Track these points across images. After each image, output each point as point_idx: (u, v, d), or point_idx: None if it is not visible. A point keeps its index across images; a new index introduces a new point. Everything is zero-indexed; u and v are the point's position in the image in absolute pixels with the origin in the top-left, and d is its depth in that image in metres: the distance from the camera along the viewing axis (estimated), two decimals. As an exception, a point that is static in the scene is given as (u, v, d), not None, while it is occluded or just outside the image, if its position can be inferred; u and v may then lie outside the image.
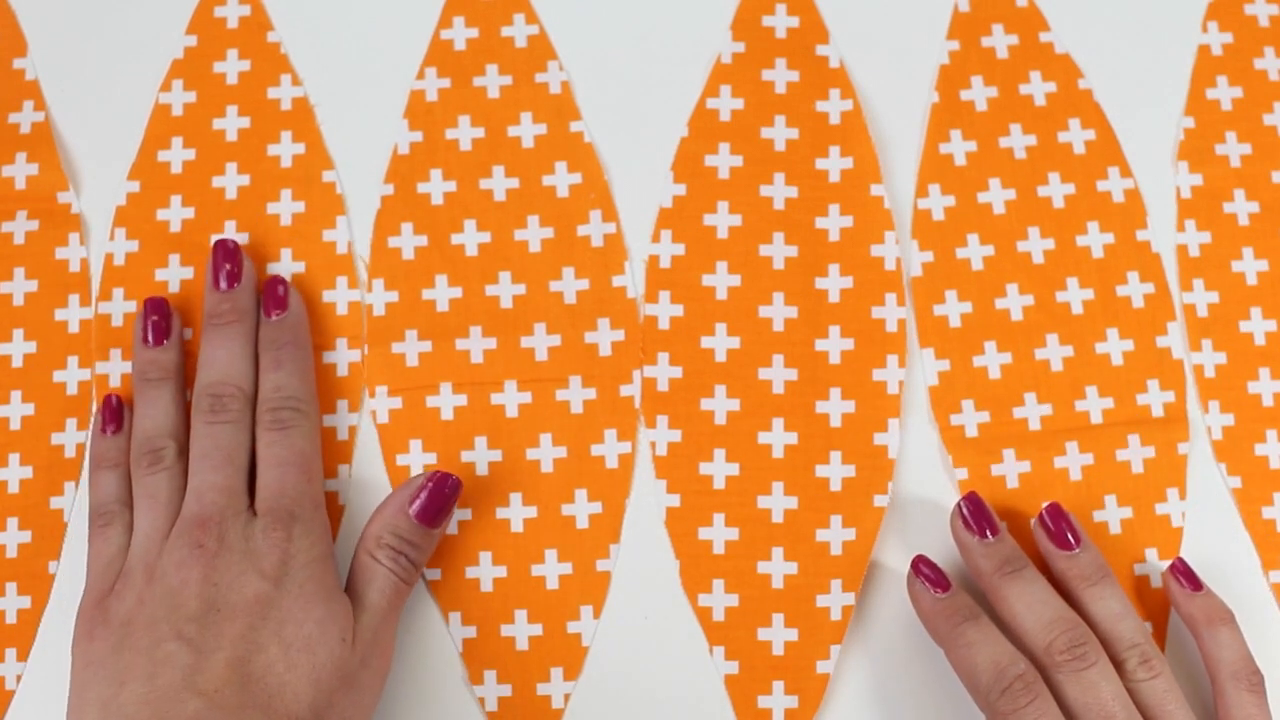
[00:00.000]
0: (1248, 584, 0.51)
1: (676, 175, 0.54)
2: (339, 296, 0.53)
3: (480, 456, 0.51)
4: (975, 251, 0.53)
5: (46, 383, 0.52)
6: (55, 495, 0.51)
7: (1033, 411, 0.52)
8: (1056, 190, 0.54)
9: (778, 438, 0.52)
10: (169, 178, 0.54)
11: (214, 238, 0.52)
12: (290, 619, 0.44)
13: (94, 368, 0.52)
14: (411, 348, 0.52)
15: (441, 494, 0.48)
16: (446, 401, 0.52)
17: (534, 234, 0.53)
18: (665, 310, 0.53)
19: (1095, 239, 0.54)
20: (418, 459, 0.51)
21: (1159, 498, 0.51)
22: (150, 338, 0.50)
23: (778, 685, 0.49)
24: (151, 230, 0.53)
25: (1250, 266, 0.53)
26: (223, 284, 0.51)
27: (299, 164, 0.54)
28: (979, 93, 0.55)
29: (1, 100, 0.55)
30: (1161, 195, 0.54)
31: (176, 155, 0.54)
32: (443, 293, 0.53)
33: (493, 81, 0.55)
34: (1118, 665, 0.46)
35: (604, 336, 0.52)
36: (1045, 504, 0.49)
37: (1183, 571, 0.49)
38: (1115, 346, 0.52)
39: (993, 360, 0.52)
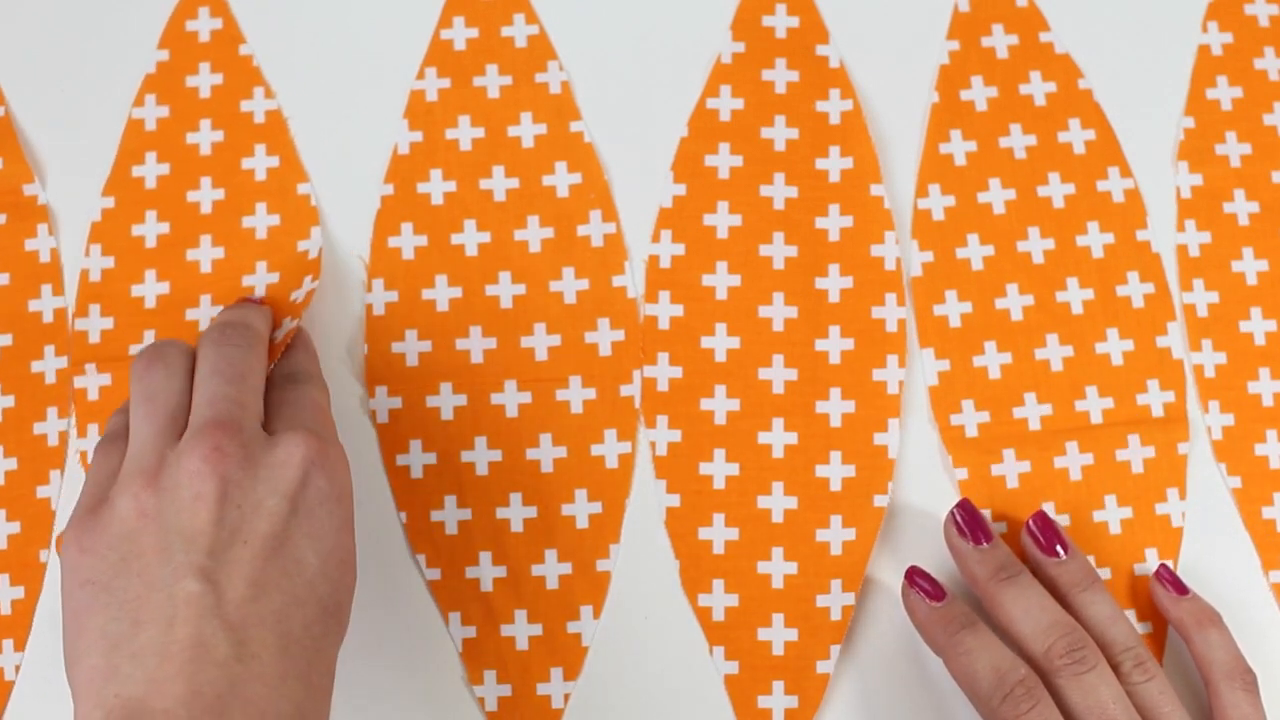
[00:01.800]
0: (1248, 584, 0.51)
1: (676, 175, 0.54)
2: None
3: (480, 456, 0.51)
4: (975, 251, 0.53)
5: (25, 374, 0.52)
6: (41, 485, 0.51)
7: (1033, 411, 0.52)
8: (1056, 190, 0.54)
9: (778, 438, 0.52)
10: (144, 193, 0.54)
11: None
12: (310, 561, 0.41)
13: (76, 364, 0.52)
14: (411, 348, 0.52)
15: None
16: (446, 401, 0.52)
17: (534, 234, 0.53)
18: (665, 310, 0.53)
19: (1095, 239, 0.54)
20: (418, 459, 0.51)
21: (1159, 498, 0.51)
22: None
23: (778, 685, 0.49)
24: (127, 246, 0.53)
25: (1250, 266, 0.53)
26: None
27: (274, 177, 0.54)
28: (979, 93, 0.55)
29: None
30: (1161, 195, 0.54)
31: (151, 170, 0.54)
32: (443, 293, 0.53)
33: (493, 81, 0.55)
34: (1113, 668, 0.46)
35: (604, 336, 0.52)
36: (1032, 513, 0.49)
37: (1167, 578, 0.49)
38: (1115, 346, 0.52)
39: (993, 360, 0.52)
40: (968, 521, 0.48)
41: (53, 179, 0.54)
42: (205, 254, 0.53)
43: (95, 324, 0.52)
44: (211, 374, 0.44)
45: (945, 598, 0.47)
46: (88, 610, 0.40)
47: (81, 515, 0.42)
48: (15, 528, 0.50)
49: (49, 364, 0.52)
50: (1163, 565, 0.50)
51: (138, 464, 0.42)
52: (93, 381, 0.52)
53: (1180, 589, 0.49)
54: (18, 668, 0.50)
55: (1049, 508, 0.51)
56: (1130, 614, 0.50)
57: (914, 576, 0.48)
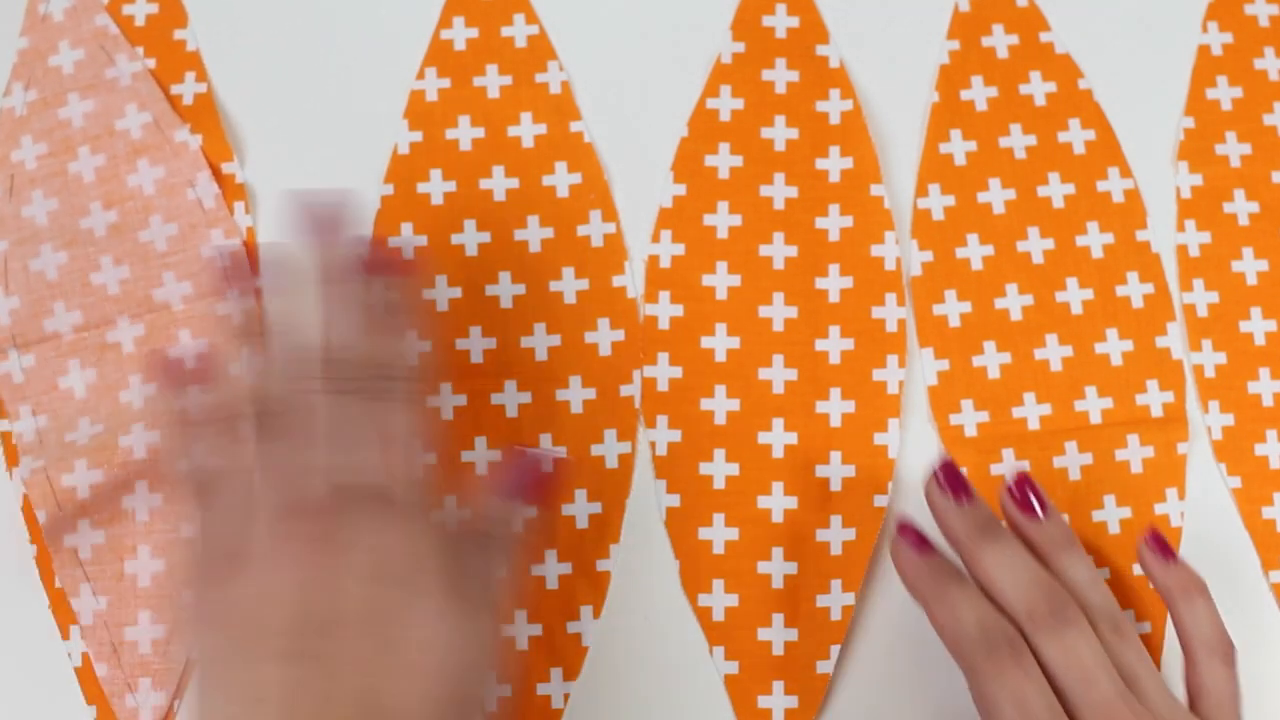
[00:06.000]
0: (1248, 584, 0.51)
1: (676, 175, 0.54)
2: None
3: (480, 456, 0.51)
4: (975, 251, 0.53)
5: None
6: None
7: (1032, 411, 0.52)
8: (1056, 190, 0.54)
9: (778, 438, 0.52)
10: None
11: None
12: (412, 640, 0.39)
13: None
14: (411, 347, 0.52)
15: (522, 468, 0.45)
16: (446, 401, 0.52)
17: (534, 234, 0.53)
18: (665, 310, 0.53)
19: (1095, 239, 0.54)
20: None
21: (1158, 498, 0.51)
22: (232, 288, 0.47)
23: (778, 685, 0.49)
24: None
25: (1250, 266, 0.53)
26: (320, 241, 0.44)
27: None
28: (979, 93, 0.55)
29: None
30: (1161, 195, 0.54)
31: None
32: (443, 293, 0.53)
33: (493, 81, 0.55)
34: (1093, 629, 0.45)
35: (604, 336, 0.52)
36: (1012, 473, 0.48)
37: (1155, 542, 0.48)
38: (1115, 346, 0.52)
39: (992, 360, 0.52)
40: (949, 479, 0.47)
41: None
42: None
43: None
44: (301, 431, 0.42)
45: (934, 552, 0.47)
46: (192, 690, 0.41)
47: (189, 590, 0.41)
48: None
49: None
50: (1152, 530, 0.49)
51: (229, 542, 0.40)
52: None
53: (1168, 554, 0.48)
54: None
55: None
56: (1129, 614, 0.50)
57: (903, 530, 0.47)
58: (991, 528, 0.46)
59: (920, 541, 0.47)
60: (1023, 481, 0.48)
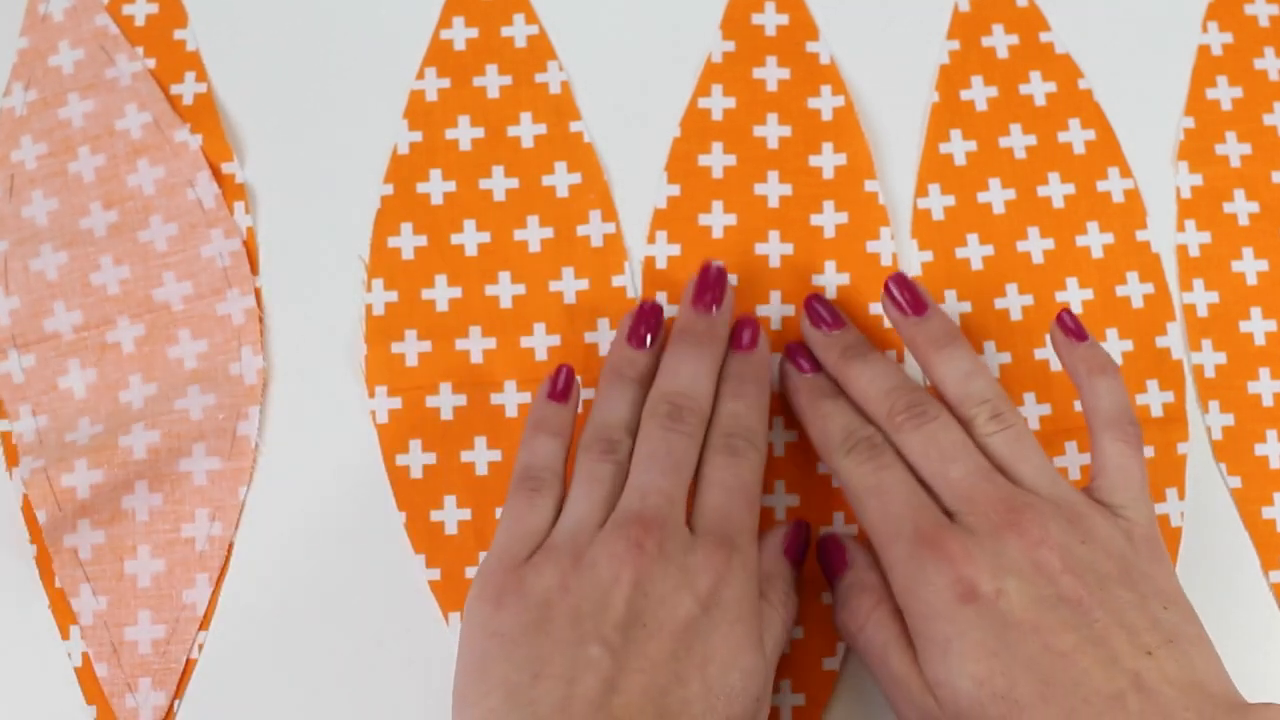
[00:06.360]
0: (1248, 584, 0.50)
1: (670, 175, 0.54)
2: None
3: (480, 456, 0.51)
4: (975, 251, 0.53)
5: None
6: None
7: (1032, 411, 0.52)
8: (1056, 190, 0.54)
9: (778, 436, 0.51)
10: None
11: (705, 261, 0.51)
12: (716, 659, 0.42)
13: None
14: (411, 348, 0.52)
15: (802, 533, 0.49)
16: (446, 401, 0.52)
17: (534, 234, 0.54)
18: (664, 310, 0.53)
19: (1095, 239, 0.53)
20: (418, 459, 0.51)
21: (1158, 498, 0.51)
22: (635, 340, 0.50)
23: (784, 683, 0.49)
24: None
25: (1250, 266, 0.53)
26: (704, 307, 0.50)
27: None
28: (979, 93, 0.55)
29: None
30: (1161, 195, 0.54)
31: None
32: (443, 293, 0.53)
33: (492, 81, 0.55)
34: (967, 424, 0.46)
35: (604, 336, 0.53)
36: (891, 276, 0.50)
37: (1069, 323, 0.48)
38: (1115, 347, 0.52)
39: (992, 360, 0.52)
40: (819, 309, 0.50)
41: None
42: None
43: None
44: (650, 459, 0.46)
45: (816, 371, 0.49)
46: (492, 660, 0.42)
47: (500, 572, 0.44)
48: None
49: None
50: (1066, 310, 0.49)
51: (570, 541, 0.45)
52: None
53: (1080, 335, 0.48)
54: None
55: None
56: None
57: (791, 352, 0.50)
58: (858, 347, 0.49)
59: (805, 362, 0.50)
60: (901, 282, 0.49)
